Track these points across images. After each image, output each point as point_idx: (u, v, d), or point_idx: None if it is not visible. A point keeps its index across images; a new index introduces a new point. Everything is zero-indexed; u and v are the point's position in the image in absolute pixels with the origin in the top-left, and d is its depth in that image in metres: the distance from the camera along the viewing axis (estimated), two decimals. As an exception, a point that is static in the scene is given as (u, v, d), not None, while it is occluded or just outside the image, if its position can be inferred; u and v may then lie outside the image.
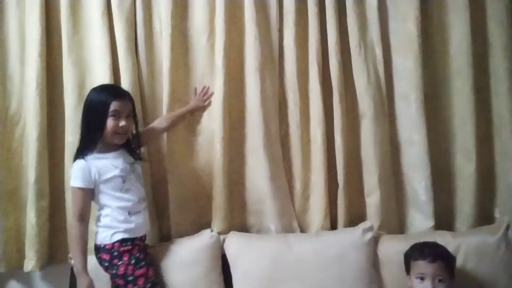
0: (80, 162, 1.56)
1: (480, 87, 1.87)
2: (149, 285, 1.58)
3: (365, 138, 1.89)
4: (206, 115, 1.94)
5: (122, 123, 1.57)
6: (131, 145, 1.69)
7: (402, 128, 1.91)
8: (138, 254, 1.59)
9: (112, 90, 1.62)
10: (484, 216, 1.88)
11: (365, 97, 1.86)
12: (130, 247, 1.58)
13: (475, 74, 1.84)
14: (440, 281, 1.48)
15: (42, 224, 1.86)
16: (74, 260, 1.57)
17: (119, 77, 1.86)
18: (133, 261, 1.57)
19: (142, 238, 1.68)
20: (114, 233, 1.58)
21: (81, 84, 1.86)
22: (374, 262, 1.74)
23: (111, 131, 1.56)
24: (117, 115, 1.56)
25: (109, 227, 1.58)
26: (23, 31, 1.89)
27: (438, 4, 1.90)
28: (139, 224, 1.63)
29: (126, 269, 1.56)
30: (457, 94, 1.88)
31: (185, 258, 1.74)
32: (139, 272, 1.57)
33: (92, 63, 1.88)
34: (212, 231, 1.83)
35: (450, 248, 1.61)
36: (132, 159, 1.67)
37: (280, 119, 1.94)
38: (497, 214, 1.89)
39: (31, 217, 1.84)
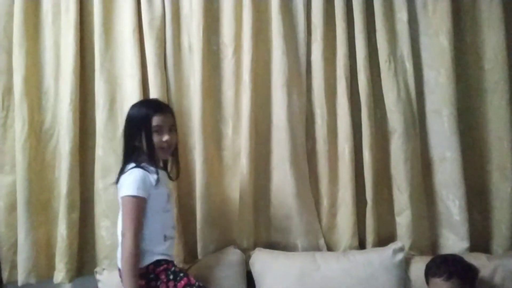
0: (138, 171, 1.49)
1: (517, 102, 1.80)
2: None
3: (395, 155, 1.85)
4: (232, 130, 1.94)
5: (166, 137, 1.56)
6: (167, 165, 1.68)
7: (434, 145, 1.86)
8: (173, 268, 1.53)
9: (152, 105, 1.61)
10: (522, 238, 1.80)
11: (395, 112, 1.83)
12: (165, 265, 1.51)
13: (511, 89, 1.78)
14: None
15: (72, 236, 1.89)
16: (127, 282, 1.42)
17: (148, 93, 1.90)
18: (171, 276, 1.50)
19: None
20: (148, 255, 1.49)
21: (112, 99, 1.90)
22: (405, 285, 1.68)
23: (156, 146, 1.55)
24: (159, 129, 1.55)
25: (143, 250, 1.48)
26: (58, 49, 1.95)
27: (472, 17, 1.87)
28: (171, 250, 1.58)
29: (167, 287, 1.49)
30: (492, 110, 1.83)
31: (208, 276, 1.71)
32: (181, 284, 1.49)
33: (123, 79, 1.92)
34: (235, 247, 1.81)
35: (486, 271, 1.55)
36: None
37: (307, 135, 1.92)
38: (536, 236, 1.80)
39: (62, 229, 1.88)
